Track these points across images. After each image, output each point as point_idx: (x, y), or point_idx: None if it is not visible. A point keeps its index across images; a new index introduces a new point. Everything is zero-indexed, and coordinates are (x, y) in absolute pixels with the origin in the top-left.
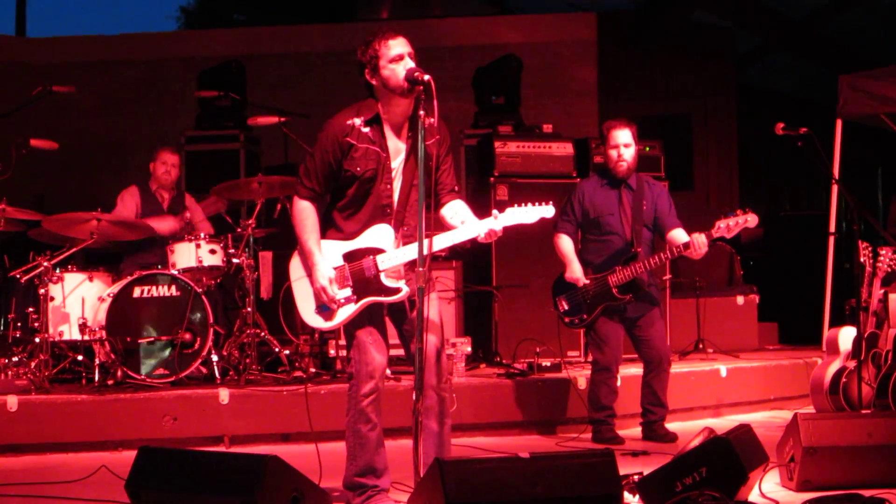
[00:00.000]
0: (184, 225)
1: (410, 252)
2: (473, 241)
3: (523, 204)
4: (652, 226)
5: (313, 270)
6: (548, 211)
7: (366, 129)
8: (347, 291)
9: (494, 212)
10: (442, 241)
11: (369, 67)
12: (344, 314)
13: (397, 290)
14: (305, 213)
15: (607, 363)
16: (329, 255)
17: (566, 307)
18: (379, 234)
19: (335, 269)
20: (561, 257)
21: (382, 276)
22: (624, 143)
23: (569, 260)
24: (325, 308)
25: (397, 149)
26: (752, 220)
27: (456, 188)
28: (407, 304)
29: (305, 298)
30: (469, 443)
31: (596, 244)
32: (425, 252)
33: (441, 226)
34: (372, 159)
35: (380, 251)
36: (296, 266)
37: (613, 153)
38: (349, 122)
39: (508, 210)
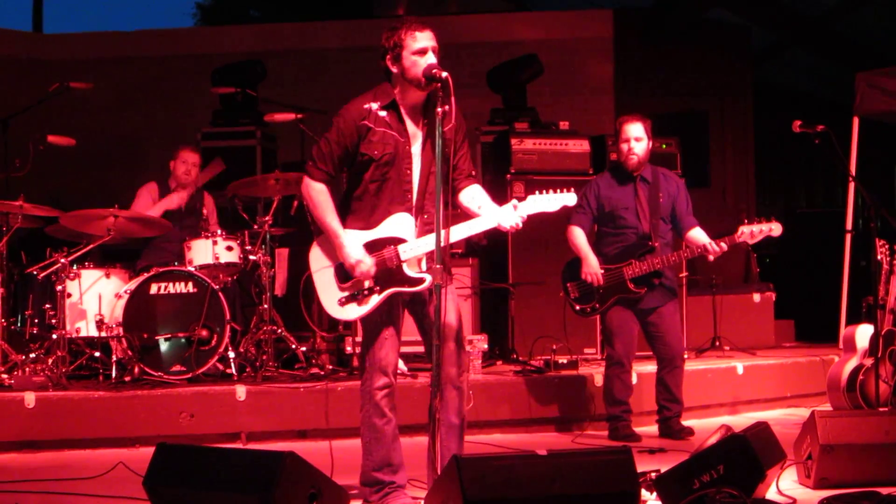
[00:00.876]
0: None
1: (432, 242)
2: (490, 236)
3: (544, 191)
4: (669, 219)
5: (340, 250)
6: (570, 198)
7: (383, 114)
8: (370, 282)
9: (514, 201)
10: (460, 232)
11: (391, 54)
12: (367, 305)
13: (421, 280)
14: (322, 194)
15: (619, 357)
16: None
17: (577, 294)
18: (399, 224)
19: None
20: (575, 251)
21: (405, 267)
22: (635, 137)
23: (584, 254)
24: (349, 298)
25: (414, 134)
26: (776, 229)
27: (473, 173)
28: (427, 295)
29: (327, 289)
30: (486, 440)
31: (611, 237)
32: (425, 238)
33: (459, 212)
34: (390, 143)
35: (401, 241)
36: (316, 256)
37: (624, 146)
38: (366, 106)
39: (529, 198)
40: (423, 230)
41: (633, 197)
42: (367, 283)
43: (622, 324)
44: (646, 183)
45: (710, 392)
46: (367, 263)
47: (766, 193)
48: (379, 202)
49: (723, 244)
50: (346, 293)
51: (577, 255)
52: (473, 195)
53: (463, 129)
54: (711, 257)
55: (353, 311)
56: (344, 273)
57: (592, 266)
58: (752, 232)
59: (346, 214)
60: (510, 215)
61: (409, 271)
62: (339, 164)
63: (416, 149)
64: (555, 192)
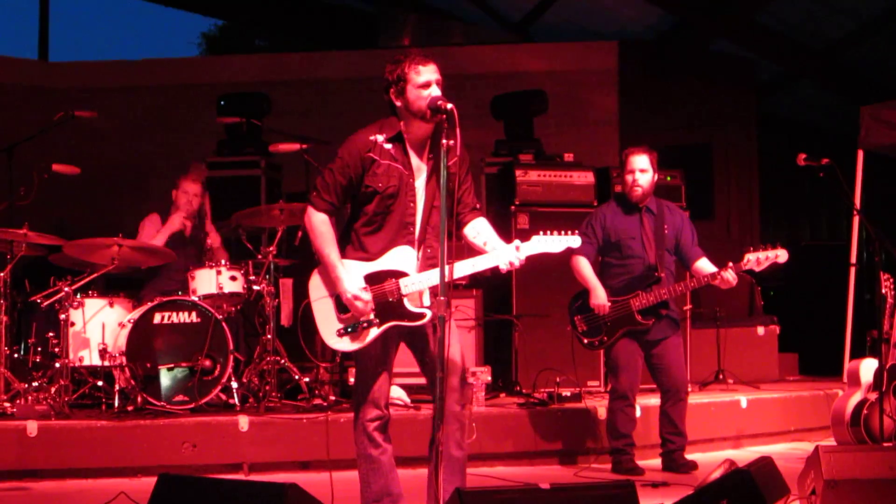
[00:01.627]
0: (202, 244)
1: (434, 277)
2: (494, 270)
3: (549, 232)
4: (673, 251)
5: (338, 283)
6: (574, 241)
7: (388, 146)
8: (370, 315)
9: (517, 241)
10: (462, 269)
11: (395, 88)
12: (366, 338)
13: (421, 315)
14: (324, 225)
15: (623, 390)
16: (350, 275)
17: (585, 328)
18: (401, 257)
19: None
20: (581, 281)
21: (405, 301)
22: (640, 169)
23: (592, 285)
24: (347, 329)
25: (418, 168)
26: (782, 255)
27: (477, 206)
28: (429, 329)
29: (326, 319)
30: (489, 472)
31: (617, 268)
32: (426, 273)
33: (464, 246)
34: (394, 176)
35: (403, 274)
36: (316, 286)
37: (629, 178)
38: (371, 137)
39: (534, 238)
40: (425, 264)
41: (639, 227)
42: (365, 316)
43: (629, 357)
44: (651, 214)
45: (714, 426)
46: (363, 299)
47: (770, 226)
48: (382, 234)
49: (731, 273)
50: (344, 324)
51: (583, 285)
52: (479, 229)
53: (467, 162)
54: (721, 285)
55: (350, 343)
56: (343, 304)
57: (600, 297)
58: (759, 259)
59: (348, 245)
60: (509, 256)
61: (410, 305)
62: (342, 196)
63: (420, 182)
64: (559, 233)
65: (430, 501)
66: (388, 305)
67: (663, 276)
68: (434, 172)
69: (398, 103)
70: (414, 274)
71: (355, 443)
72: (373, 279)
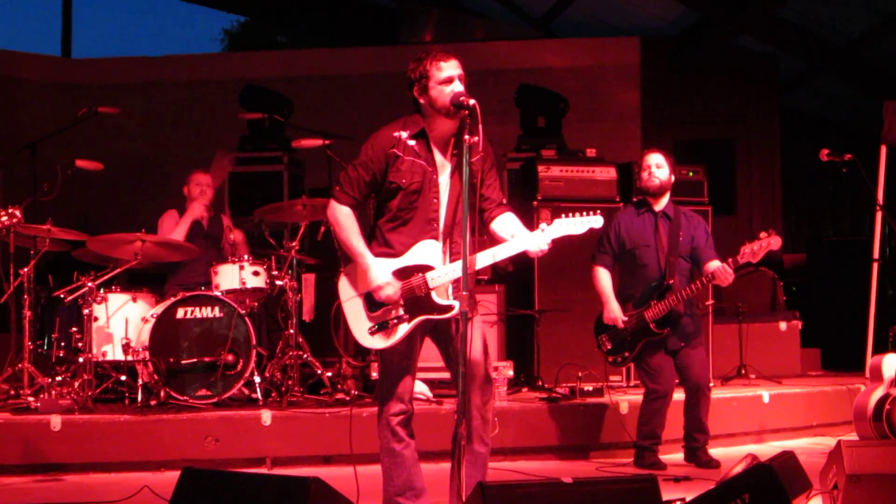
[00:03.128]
0: (224, 244)
1: (460, 269)
2: (516, 262)
3: (571, 214)
4: (689, 257)
5: (368, 273)
6: (596, 221)
7: (412, 143)
8: (399, 310)
9: (543, 225)
10: (487, 257)
11: (418, 85)
12: (398, 334)
13: (450, 308)
14: (348, 218)
15: (664, 391)
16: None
17: (609, 346)
18: (427, 251)
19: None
20: (599, 294)
21: (433, 294)
22: (656, 164)
23: (606, 298)
24: (379, 327)
25: (442, 164)
26: (775, 242)
27: (504, 201)
28: (453, 324)
29: (357, 318)
30: (511, 467)
31: (632, 277)
32: (452, 264)
33: (493, 241)
34: (418, 172)
35: (429, 268)
36: (344, 286)
37: (645, 173)
38: (395, 134)
39: (556, 221)
40: (451, 258)
41: (654, 233)
42: (395, 312)
43: (661, 361)
44: (667, 220)
45: (736, 420)
46: (393, 286)
47: (792, 221)
48: (406, 230)
49: (726, 266)
50: (375, 322)
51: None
52: (506, 223)
53: (490, 158)
54: (723, 283)
55: (383, 340)
56: (373, 302)
57: (613, 310)
58: (753, 250)
59: (373, 242)
60: (537, 240)
61: (438, 299)
62: (366, 191)
63: (444, 178)
64: (581, 215)
65: (452, 496)
66: (417, 300)
67: (673, 283)
68: (458, 169)
69: (422, 101)
70: (440, 267)
71: (379, 437)
72: (400, 274)
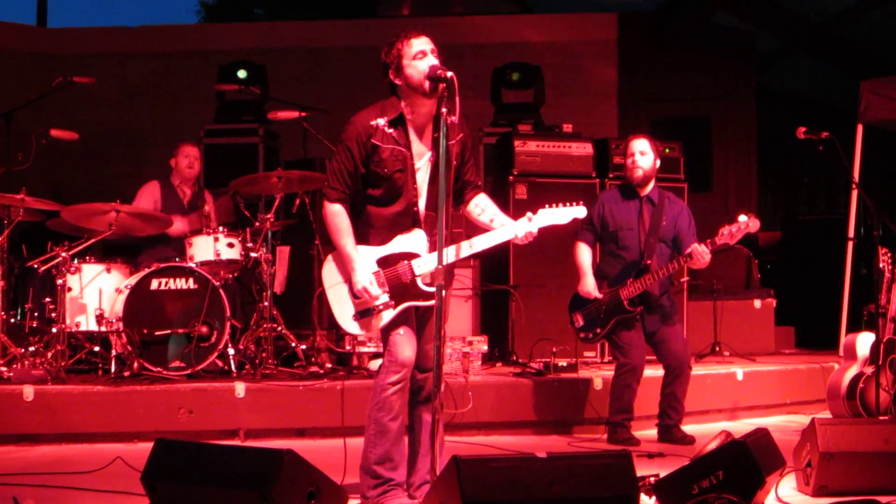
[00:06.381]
0: (197, 225)
1: (448, 254)
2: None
3: (554, 205)
4: (670, 242)
5: (353, 274)
6: (580, 211)
7: (390, 130)
8: (385, 297)
9: (529, 214)
10: (480, 244)
11: (393, 67)
12: (382, 320)
13: (435, 294)
14: (339, 216)
15: (635, 364)
16: (364, 265)
17: (581, 323)
18: (412, 239)
19: (372, 273)
20: (577, 268)
21: (419, 281)
22: (640, 151)
23: (583, 272)
24: (363, 314)
25: (421, 151)
26: (753, 224)
27: (479, 183)
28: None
29: (341, 304)
30: (485, 441)
31: (613, 257)
32: (445, 249)
33: (468, 223)
34: (399, 160)
35: (414, 256)
36: (330, 272)
37: (629, 160)
38: (373, 122)
39: (541, 211)
40: (434, 245)
41: (637, 216)
42: (379, 303)
43: (633, 336)
44: (651, 204)
45: (710, 397)
46: (373, 292)
47: (768, 199)
48: (388, 217)
49: (703, 247)
50: (359, 308)
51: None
52: (481, 205)
53: (469, 140)
54: (698, 264)
55: (367, 326)
56: None
57: (587, 284)
58: (731, 232)
59: (356, 229)
60: (524, 227)
61: (423, 286)
62: (351, 181)
63: (423, 164)
64: (565, 205)
65: (419, 467)
66: (403, 287)
67: (651, 264)
68: (435, 152)
69: (398, 82)
70: (425, 255)
71: (369, 403)
72: (386, 262)
